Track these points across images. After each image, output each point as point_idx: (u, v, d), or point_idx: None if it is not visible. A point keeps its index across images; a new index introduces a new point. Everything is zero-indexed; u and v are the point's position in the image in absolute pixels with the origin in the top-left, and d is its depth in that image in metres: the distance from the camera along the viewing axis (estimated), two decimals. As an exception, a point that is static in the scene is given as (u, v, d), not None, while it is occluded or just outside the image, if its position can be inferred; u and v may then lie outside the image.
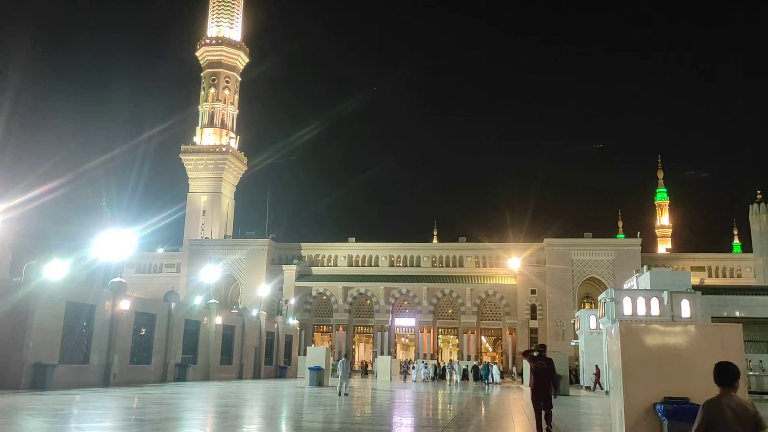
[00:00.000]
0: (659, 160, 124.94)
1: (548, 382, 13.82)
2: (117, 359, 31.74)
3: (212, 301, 46.65)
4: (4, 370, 25.67)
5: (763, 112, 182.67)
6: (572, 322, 66.06)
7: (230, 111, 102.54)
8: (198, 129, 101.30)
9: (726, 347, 8.77)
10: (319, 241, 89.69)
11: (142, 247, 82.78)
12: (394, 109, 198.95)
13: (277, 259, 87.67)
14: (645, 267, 48.00)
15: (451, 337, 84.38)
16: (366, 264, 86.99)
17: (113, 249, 34.87)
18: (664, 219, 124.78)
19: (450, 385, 46.38)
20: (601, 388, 42.22)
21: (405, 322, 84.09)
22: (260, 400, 27.84)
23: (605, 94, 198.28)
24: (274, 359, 54.04)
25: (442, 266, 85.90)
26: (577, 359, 55.99)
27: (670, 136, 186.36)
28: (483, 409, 25.94)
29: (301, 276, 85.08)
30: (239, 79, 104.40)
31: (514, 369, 70.01)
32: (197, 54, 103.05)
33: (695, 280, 54.71)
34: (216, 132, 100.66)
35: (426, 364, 59.45)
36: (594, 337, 47.13)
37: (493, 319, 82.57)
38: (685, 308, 36.93)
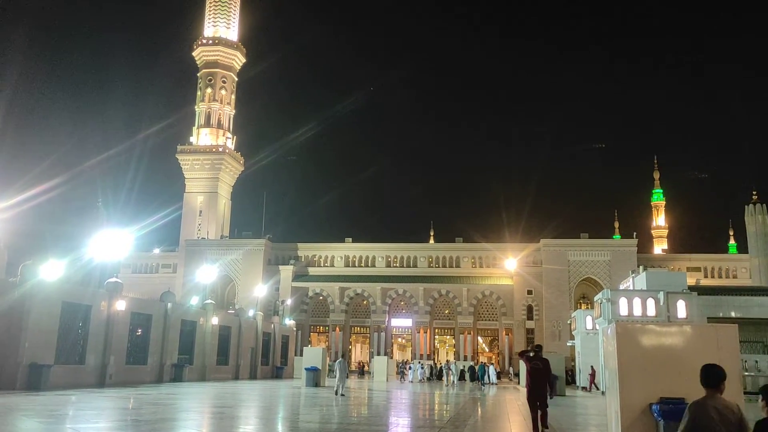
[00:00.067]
0: (655, 161, 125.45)
1: (544, 382, 13.85)
2: (113, 360, 31.68)
3: (209, 301, 46.61)
4: (-1, 371, 25.62)
5: (759, 113, 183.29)
6: (568, 322, 66.15)
7: (227, 111, 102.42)
8: (194, 129, 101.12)
9: (722, 348, 8.80)
10: (316, 242, 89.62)
11: (138, 247, 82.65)
12: (391, 109, 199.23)
13: (273, 260, 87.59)
14: (641, 267, 48.14)
15: (448, 337, 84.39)
16: (363, 264, 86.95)
17: (109, 249, 34.83)
18: (660, 220, 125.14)
19: (447, 386, 46.40)
20: (597, 389, 42.29)
21: (402, 322, 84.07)
22: (257, 401, 27.80)
23: (602, 94, 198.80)
24: (270, 360, 54.00)
25: (438, 267, 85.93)
26: (574, 360, 56.06)
27: (666, 137, 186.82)
28: (479, 409, 25.96)
29: (298, 276, 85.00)
30: (236, 79, 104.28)
31: (511, 369, 70.08)
32: (194, 54, 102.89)
33: (691, 281, 54.82)
34: (212, 132, 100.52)
35: (422, 364, 59.48)
36: (590, 338, 47.20)
37: (489, 320, 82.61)
38: (681, 309, 37.02)
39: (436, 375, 58.87)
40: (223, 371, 44.59)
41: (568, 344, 63.29)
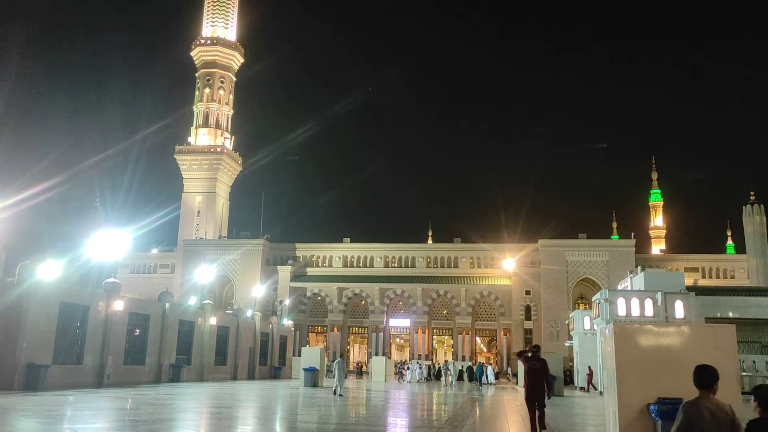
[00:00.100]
0: (653, 162, 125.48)
1: (541, 382, 13.86)
2: (111, 360, 31.65)
3: (207, 301, 46.57)
4: (-3, 371, 25.58)
5: (757, 113, 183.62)
6: (566, 322, 66.19)
7: (225, 111, 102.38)
8: (193, 129, 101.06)
9: (719, 348, 8.81)
10: (314, 242, 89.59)
11: (136, 247, 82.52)
12: (390, 110, 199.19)
13: (271, 260, 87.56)
14: (639, 268, 48.15)
15: (446, 337, 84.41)
16: (361, 265, 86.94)
17: (107, 249, 34.78)
18: (658, 220, 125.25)
19: (445, 386, 46.42)
20: (595, 389, 42.32)
21: (400, 322, 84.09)
22: (255, 401, 27.79)
23: (599, 95, 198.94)
24: (268, 360, 53.98)
25: (436, 267, 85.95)
26: (572, 360, 56.09)
27: (664, 138, 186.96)
28: (477, 409, 25.97)
29: (296, 277, 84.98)
30: (234, 79, 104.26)
31: (509, 370, 70.10)
32: (192, 54, 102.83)
33: (689, 281, 54.82)
34: (211, 132, 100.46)
35: (420, 365, 59.48)
36: (588, 338, 47.24)
37: (487, 320, 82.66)
38: (679, 309, 37.06)
39: (434, 375, 58.84)
40: (221, 371, 44.56)
41: (566, 344, 63.32)
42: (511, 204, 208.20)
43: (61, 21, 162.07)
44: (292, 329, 66.29)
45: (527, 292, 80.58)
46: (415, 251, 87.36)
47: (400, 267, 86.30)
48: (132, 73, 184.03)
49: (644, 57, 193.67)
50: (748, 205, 72.37)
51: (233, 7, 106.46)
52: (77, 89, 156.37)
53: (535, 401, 13.90)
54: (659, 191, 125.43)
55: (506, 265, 76.23)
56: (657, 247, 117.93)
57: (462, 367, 58.91)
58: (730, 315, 39.34)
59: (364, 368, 70.87)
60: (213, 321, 43.52)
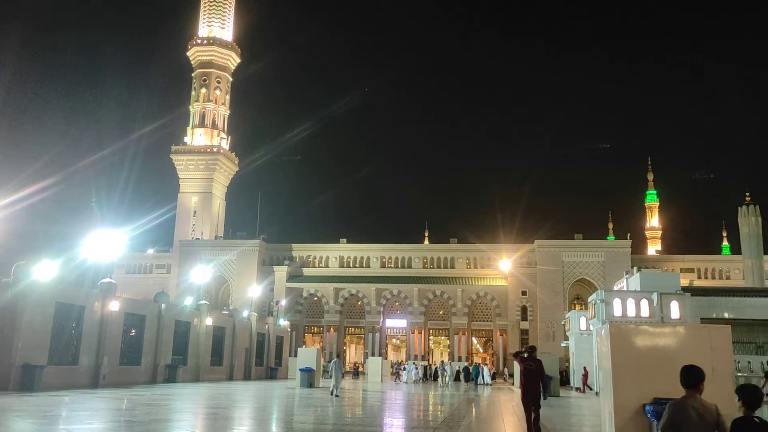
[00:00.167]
0: (649, 163, 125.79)
1: (537, 383, 13.89)
2: (106, 360, 31.57)
3: (203, 302, 46.50)
4: (-8, 372, 25.50)
5: (754, 113, 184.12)
6: (563, 323, 66.29)
7: (221, 111, 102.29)
8: (189, 129, 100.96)
9: (715, 348, 8.83)
10: (311, 242, 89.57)
11: (132, 247, 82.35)
12: (387, 110, 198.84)
13: (268, 260, 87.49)
14: (635, 268, 48.25)
15: (442, 338, 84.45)
16: (357, 265, 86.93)
17: (103, 249, 34.68)
18: (653, 221, 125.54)
19: (441, 387, 46.44)
20: (590, 389, 42.39)
21: (396, 323, 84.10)
22: (251, 402, 27.77)
23: (599, 95, 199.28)
24: (264, 360, 53.92)
25: (433, 267, 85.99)
26: (568, 360, 56.16)
27: (659, 138, 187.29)
28: (474, 410, 25.98)
29: (292, 277, 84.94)
30: (230, 79, 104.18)
31: (506, 370, 70.18)
32: (188, 54, 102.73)
33: (684, 282, 55.02)
34: (207, 132, 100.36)
35: (416, 365, 59.48)
36: (584, 339, 47.30)
37: (484, 321, 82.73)
38: (675, 309, 37.13)
39: (431, 376, 58.85)
40: (217, 372, 44.51)
41: (562, 345, 63.38)
42: (507, 204, 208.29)
43: (57, 21, 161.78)
44: (289, 330, 66.23)
45: (523, 293, 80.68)
46: (412, 252, 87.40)
47: (397, 267, 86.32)
48: (128, 73, 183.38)
49: (644, 57, 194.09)
50: (744, 206, 72.56)
51: (230, 7, 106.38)
52: (73, 89, 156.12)
53: (531, 402, 13.92)
54: (655, 192, 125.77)
55: (502, 265, 76.33)
56: (653, 248, 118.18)
57: (459, 367, 58.93)
58: (726, 316, 39.45)
59: (361, 369, 70.85)
60: (209, 321, 43.45)
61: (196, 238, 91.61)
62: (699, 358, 8.19)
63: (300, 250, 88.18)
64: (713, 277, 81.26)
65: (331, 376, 30.41)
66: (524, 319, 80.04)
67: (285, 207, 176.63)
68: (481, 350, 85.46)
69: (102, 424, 16.63)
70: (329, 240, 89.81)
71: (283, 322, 65.02)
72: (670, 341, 9.15)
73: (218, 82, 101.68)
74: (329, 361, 39.07)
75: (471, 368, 54.80)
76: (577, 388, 45.95)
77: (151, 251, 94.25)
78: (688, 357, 8.43)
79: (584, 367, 44.43)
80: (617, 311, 38.11)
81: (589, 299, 45.84)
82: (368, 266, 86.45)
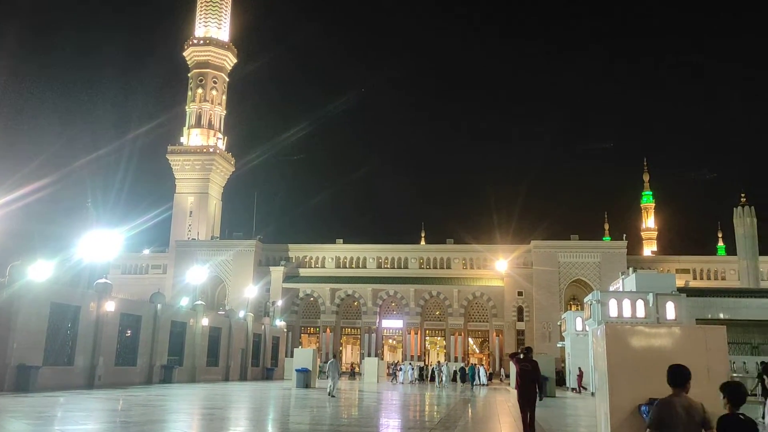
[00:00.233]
0: (645, 164, 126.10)
1: (533, 384, 13.91)
2: (102, 361, 31.50)
3: (199, 302, 46.45)
4: (-13, 372, 25.42)
5: (749, 115, 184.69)
6: (558, 323, 66.32)
7: (218, 111, 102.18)
8: (185, 129, 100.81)
9: (710, 349, 8.86)
10: (307, 243, 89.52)
11: (128, 248, 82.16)
12: (383, 110, 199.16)
13: (264, 261, 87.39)
14: (631, 269, 48.30)
15: (439, 338, 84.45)
16: (353, 265, 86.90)
17: (99, 250, 34.62)
18: (649, 221, 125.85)
19: (438, 387, 46.45)
20: (585, 389, 42.45)
21: (392, 323, 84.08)
22: (247, 402, 27.73)
23: (599, 95, 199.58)
24: (260, 361, 53.87)
25: (429, 268, 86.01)
26: (564, 361, 56.22)
27: (659, 139, 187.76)
28: (470, 410, 26.00)
29: (289, 277, 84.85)
30: (227, 79, 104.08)
31: (502, 371, 70.23)
32: (185, 54, 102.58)
33: (680, 283, 55.02)
34: (203, 132, 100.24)
35: (413, 366, 59.48)
36: (580, 339, 47.37)
37: (480, 321, 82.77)
38: (670, 310, 37.21)
39: (427, 376, 58.84)
40: (213, 373, 44.43)
41: (558, 345, 63.48)
42: (503, 205, 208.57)
43: (54, 21, 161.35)
44: (285, 330, 66.19)
45: (519, 293, 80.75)
46: (408, 252, 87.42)
47: (393, 268, 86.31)
48: (124, 73, 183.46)
49: (644, 57, 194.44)
50: (739, 207, 72.82)
51: (226, 7, 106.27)
52: (69, 89, 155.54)
53: (526, 402, 13.94)
54: (651, 193, 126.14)
55: (499, 266, 76.40)
56: (648, 249, 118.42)
57: (455, 368, 58.93)
58: (721, 316, 39.58)
59: (357, 369, 70.81)
60: (205, 322, 43.39)
61: (193, 239, 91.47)
62: (694, 359, 8.22)
63: (296, 251, 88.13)
64: (709, 278, 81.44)
65: (327, 377, 30.38)
66: (520, 319, 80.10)
67: (281, 207, 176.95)
68: (478, 351, 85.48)
69: (97, 425, 16.59)
70: (326, 240, 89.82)
71: (280, 323, 64.96)
72: (665, 342, 9.17)
73: (214, 83, 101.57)
74: (325, 362, 38.97)
75: (467, 369, 54.78)
76: (573, 389, 46.00)
77: (147, 252, 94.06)
78: (683, 357, 8.44)
79: (579, 368, 44.48)
80: (613, 312, 38.18)
81: (585, 300, 45.91)
82: (365, 267, 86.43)
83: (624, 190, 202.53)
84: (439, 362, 64.41)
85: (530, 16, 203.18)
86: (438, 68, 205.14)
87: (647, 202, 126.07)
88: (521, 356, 14.46)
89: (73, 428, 15.45)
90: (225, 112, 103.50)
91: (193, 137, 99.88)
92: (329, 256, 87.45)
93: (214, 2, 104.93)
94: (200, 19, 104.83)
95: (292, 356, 48.19)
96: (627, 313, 37.95)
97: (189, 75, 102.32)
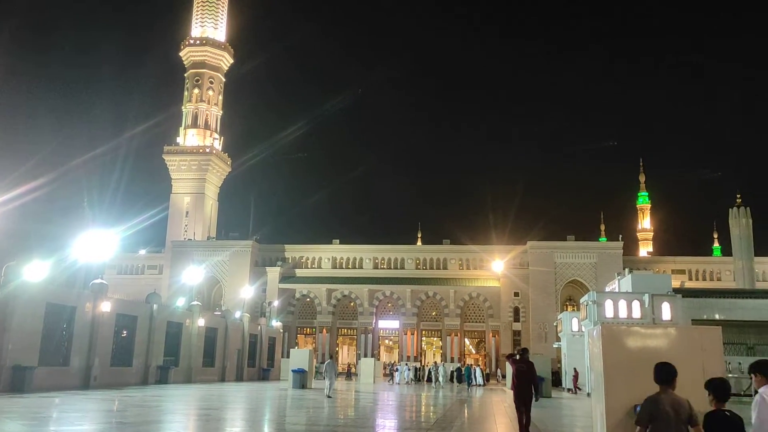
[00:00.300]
0: (641, 164, 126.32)
1: (529, 384, 13.93)
2: (97, 361, 31.44)
3: (195, 303, 46.36)
4: (-18, 373, 25.34)
5: (745, 116, 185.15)
6: (555, 324, 66.48)
7: (214, 112, 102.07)
8: (181, 129, 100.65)
9: (706, 350, 8.87)
10: (303, 243, 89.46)
11: (123, 248, 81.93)
12: (381, 110, 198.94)
13: (260, 261, 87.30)
14: (626, 270, 48.46)
15: (435, 339, 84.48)
16: (350, 266, 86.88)
17: (94, 250, 34.55)
18: (645, 222, 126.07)
19: (434, 388, 46.45)
20: (580, 390, 42.51)
21: (389, 324, 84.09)
22: (243, 403, 27.70)
23: (599, 95, 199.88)
24: (257, 361, 53.81)
25: (426, 268, 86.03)
26: (560, 361, 56.31)
27: (657, 139, 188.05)
28: (466, 411, 26.02)
29: (285, 278, 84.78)
30: (223, 79, 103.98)
31: (498, 371, 70.28)
32: (181, 54, 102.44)
33: (676, 283, 55.24)
34: (199, 133, 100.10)
35: (409, 366, 59.51)
36: (576, 340, 47.44)
37: (476, 322, 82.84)
38: (666, 311, 37.33)
39: (424, 377, 58.83)
40: (209, 373, 44.36)
41: (554, 346, 63.57)
42: (500, 205, 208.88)
43: (51, 20, 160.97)
44: (281, 331, 66.11)
45: (516, 294, 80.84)
46: (405, 253, 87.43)
47: (389, 268, 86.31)
48: (121, 73, 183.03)
49: (644, 57, 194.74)
50: (735, 208, 72.98)
51: (222, 7, 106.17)
52: (66, 88, 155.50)
53: (522, 403, 13.96)
54: (647, 194, 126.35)
55: (495, 266, 76.43)
56: (644, 249, 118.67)
57: (451, 368, 58.96)
58: (717, 317, 39.72)
59: (353, 370, 70.79)
60: (201, 322, 43.32)
61: (189, 239, 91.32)
62: (690, 360, 8.24)
63: (293, 251, 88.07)
64: (704, 279, 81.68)
65: (324, 378, 30.37)
66: (516, 320, 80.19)
67: (278, 208, 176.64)
68: (474, 351, 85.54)
69: (93, 426, 16.55)
70: (322, 241, 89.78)
71: (276, 323, 64.90)
72: (661, 342, 9.18)
73: (211, 83, 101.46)
74: (322, 363, 39.03)
75: (463, 369, 54.82)
76: (569, 389, 46.07)
77: (143, 252, 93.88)
78: (679, 358, 8.46)
79: (574, 368, 44.55)
80: (609, 312, 38.28)
81: (581, 300, 46.00)
82: (361, 267, 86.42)
83: (620, 191, 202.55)
84: (435, 363, 64.47)
85: (530, 16, 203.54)
86: (438, 68, 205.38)
87: (643, 202, 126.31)
88: (517, 357, 14.49)
89: (68, 429, 15.41)
90: (221, 112, 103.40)
91: (189, 137, 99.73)
92: (326, 256, 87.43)
93: (210, 2, 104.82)
94: (197, 19, 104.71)
95: (288, 357, 48.16)
96: (623, 313, 38.06)
97: (185, 75, 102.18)
